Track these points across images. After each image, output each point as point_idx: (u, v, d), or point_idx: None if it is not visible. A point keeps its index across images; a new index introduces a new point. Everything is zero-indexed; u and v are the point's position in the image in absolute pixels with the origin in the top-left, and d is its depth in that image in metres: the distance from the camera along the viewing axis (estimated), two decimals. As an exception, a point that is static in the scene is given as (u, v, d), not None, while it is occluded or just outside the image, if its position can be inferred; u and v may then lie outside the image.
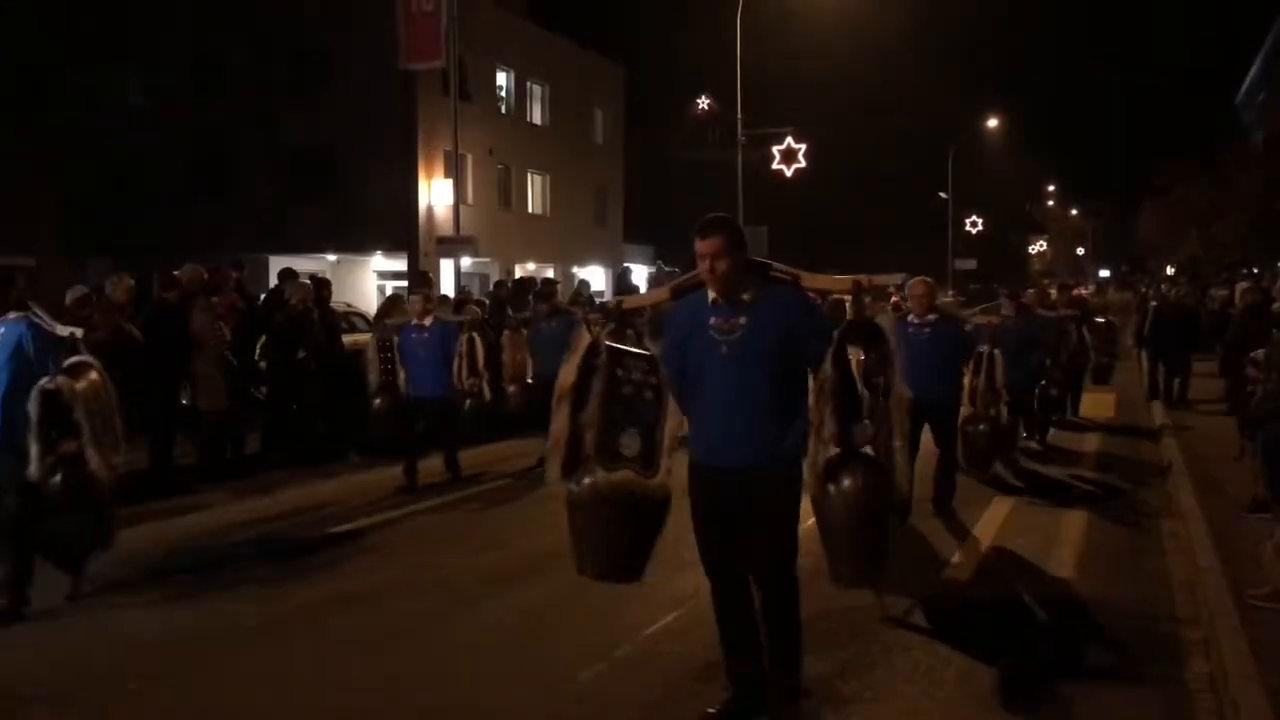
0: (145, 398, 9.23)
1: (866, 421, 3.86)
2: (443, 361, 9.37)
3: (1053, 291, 15.61)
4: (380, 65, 24.63)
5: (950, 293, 25.48)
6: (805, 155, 29.48)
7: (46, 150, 25.58)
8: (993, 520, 8.01)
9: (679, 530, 4.22)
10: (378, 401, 9.60)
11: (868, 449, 3.87)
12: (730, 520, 4.09)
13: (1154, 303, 16.76)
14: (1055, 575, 6.53)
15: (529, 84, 33.73)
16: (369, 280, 30.37)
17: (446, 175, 26.29)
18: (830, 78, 50.34)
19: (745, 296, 4.03)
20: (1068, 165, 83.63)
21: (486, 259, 29.21)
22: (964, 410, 8.06)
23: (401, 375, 9.46)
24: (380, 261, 30.38)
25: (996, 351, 7.88)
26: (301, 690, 4.79)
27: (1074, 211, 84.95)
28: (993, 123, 54.79)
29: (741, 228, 4.08)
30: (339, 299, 16.31)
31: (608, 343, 4.20)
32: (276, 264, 15.34)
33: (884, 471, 3.88)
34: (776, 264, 4.17)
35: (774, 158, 29.76)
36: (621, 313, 4.35)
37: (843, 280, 4.16)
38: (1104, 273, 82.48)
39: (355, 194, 27.65)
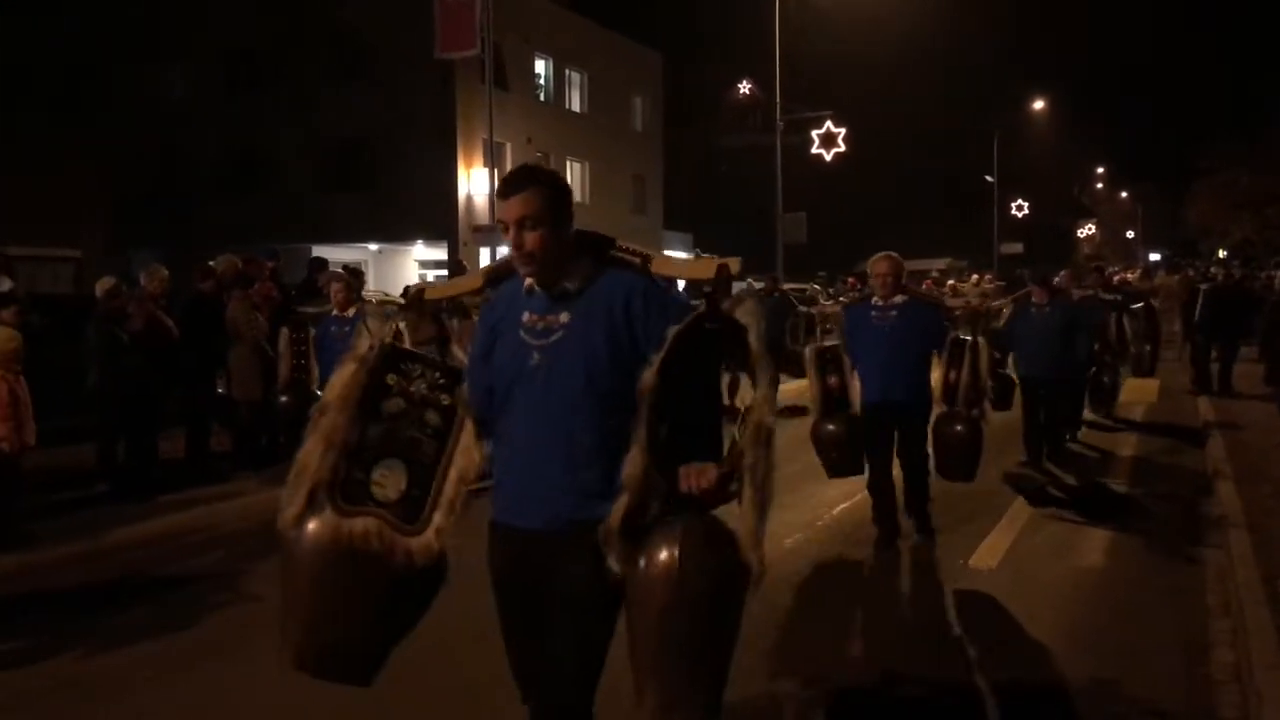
0: (182, 387, 9.40)
1: (709, 465, 2.53)
2: None
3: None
4: (419, 54, 24.80)
5: (988, 276, 25.10)
6: (845, 139, 29.28)
7: (92, 145, 25.99)
8: (1015, 518, 7.72)
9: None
10: (284, 399, 8.89)
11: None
12: (537, 610, 2.81)
13: (1204, 286, 16.21)
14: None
15: (567, 71, 33.72)
16: (410, 269, 30.59)
17: (485, 164, 26.42)
18: (874, 60, 49.91)
19: (570, 285, 2.81)
20: (1116, 147, 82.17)
21: (525, 247, 29.31)
22: (937, 407, 6.82)
23: (315, 371, 8.74)
24: (421, 250, 30.59)
25: (981, 340, 6.72)
26: (304, 682, 4.83)
27: (1123, 194, 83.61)
28: (1039, 104, 53.99)
29: (565, 184, 2.90)
30: (380, 288, 16.42)
31: (389, 342, 3.02)
32: (319, 254, 15.48)
33: (722, 537, 2.54)
34: (622, 242, 2.94)
35: (814, 142, 29.58)
36: (421, 303, 3.16)
37: (705, 264, 2.94)
38: (1154, 256, 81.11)
39: (396, 183, 27.85)
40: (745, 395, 2.67)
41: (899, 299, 6.54)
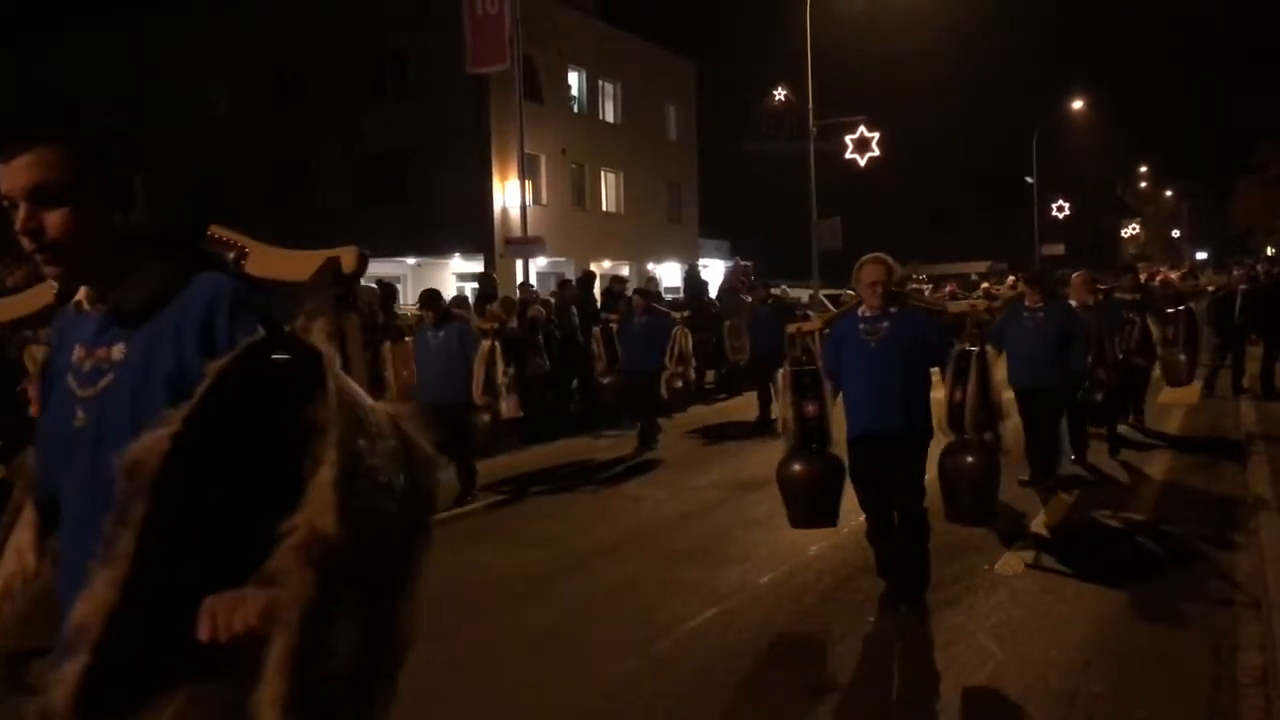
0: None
1: (249, 594, 1.46)
2: None
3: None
4: (456, 68, 25.04)
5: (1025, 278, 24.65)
6: (879, 143, 29.14)
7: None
8: (1039, 526, 7.48)
9: (725, 526, 4.15)
10: None
11: None
12: None
13: (1243, 286, 15.85)
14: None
15: (601, 82, 33.87)
16: (449, 283, 30.79)
17: (520, 176, 26.65)
18: (910, 61, 49.68)
19: (130, 299, 1.78)
20: (1160, 144, 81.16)
21: (561, 259, 29.46)
22: (942, 436, 5.68)
23: None
24: (459, 264, 30.81)
25: (989, 349, 5.63)
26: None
27: (1168, 193, 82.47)
28: (1078, 104, 53.34)
29: (116, 130, 1.81)
30: (415, 303, 16.54)
31: None
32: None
33: None
34: (218, 229, 2.03)
35: (848, 147, 29.47)
36: None
37: (305, 258, 1.96)
38: (1201, 255, 79.87)
39: (432, 197, 28.14)
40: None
41: (892, 309, 5.50)
